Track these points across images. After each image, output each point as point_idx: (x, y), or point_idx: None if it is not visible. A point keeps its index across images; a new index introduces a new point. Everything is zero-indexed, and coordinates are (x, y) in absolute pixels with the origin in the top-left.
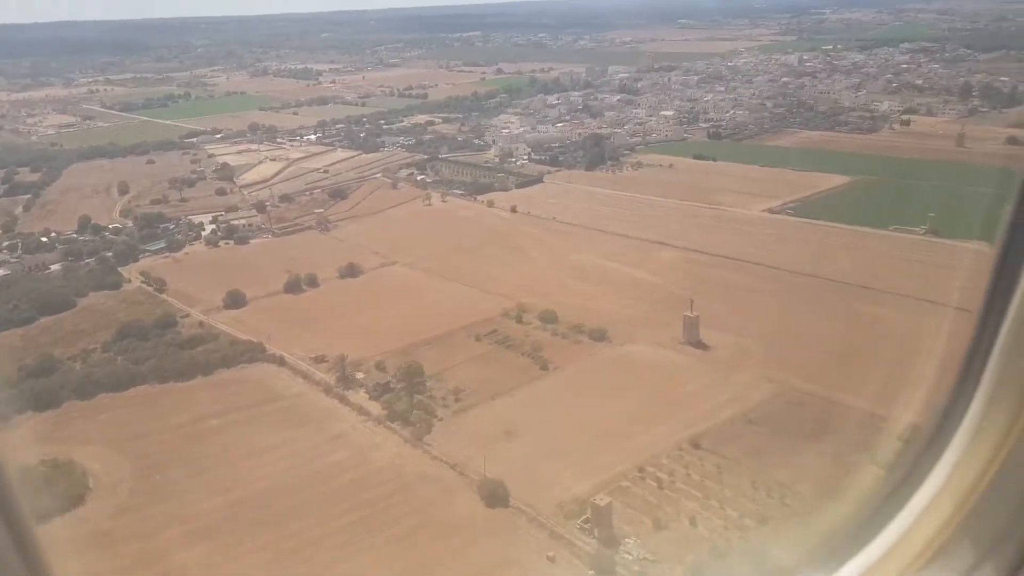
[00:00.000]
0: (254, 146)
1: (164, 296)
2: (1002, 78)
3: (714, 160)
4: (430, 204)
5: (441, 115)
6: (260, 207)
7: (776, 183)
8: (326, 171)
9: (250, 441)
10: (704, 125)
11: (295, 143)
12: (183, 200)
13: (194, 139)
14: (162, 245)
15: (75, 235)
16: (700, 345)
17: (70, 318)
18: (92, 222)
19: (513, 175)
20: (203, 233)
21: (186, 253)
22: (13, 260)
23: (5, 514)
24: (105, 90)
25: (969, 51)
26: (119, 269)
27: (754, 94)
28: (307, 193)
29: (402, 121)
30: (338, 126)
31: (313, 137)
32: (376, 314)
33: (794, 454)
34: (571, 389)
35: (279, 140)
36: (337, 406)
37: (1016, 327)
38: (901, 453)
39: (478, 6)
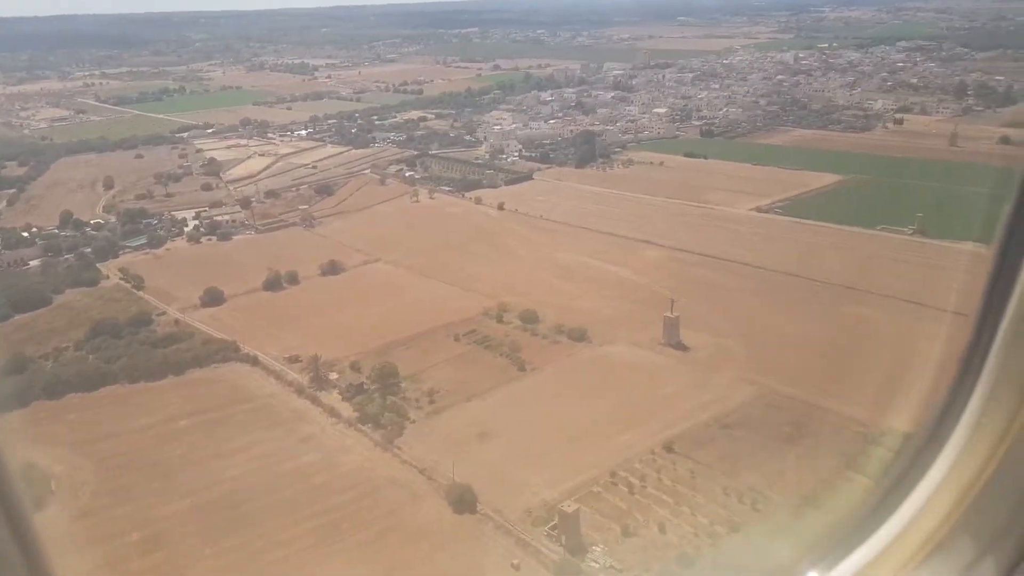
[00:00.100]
0: (243, 141)
1: (141, 293)
2: (998, 77)
3: (705, 158)
4: (417, 201)
5: (434, 111)
6: (245, 203)
7: (766, 181)
8: (314, 167)
9: (218, 443)
10: (697, 123)
11: (285, 138)
12: (168, 195)
13: (185, 134)
14: (143, 241)
15: (56, 231)
16: (680, 346)
17: (45, 315)
18: (74, 217)
19: (503, 172)
20: (185, 229)
21: (167, 249)
22: None
23: (5, 509)
24: (101, 84)
25: (966, 50)
26: (98, 265)
27: (748, 92)
28: (293, 189)
29: (395, 117)
30: (330, 121)
31: (303, 132)
32: (355, 312)
33: (769, 458)
34: (547, 391)
35: (269, 135)
36: (308, 407)
37: (1015, 324)
38: (901, 449)
39: (477, 2)
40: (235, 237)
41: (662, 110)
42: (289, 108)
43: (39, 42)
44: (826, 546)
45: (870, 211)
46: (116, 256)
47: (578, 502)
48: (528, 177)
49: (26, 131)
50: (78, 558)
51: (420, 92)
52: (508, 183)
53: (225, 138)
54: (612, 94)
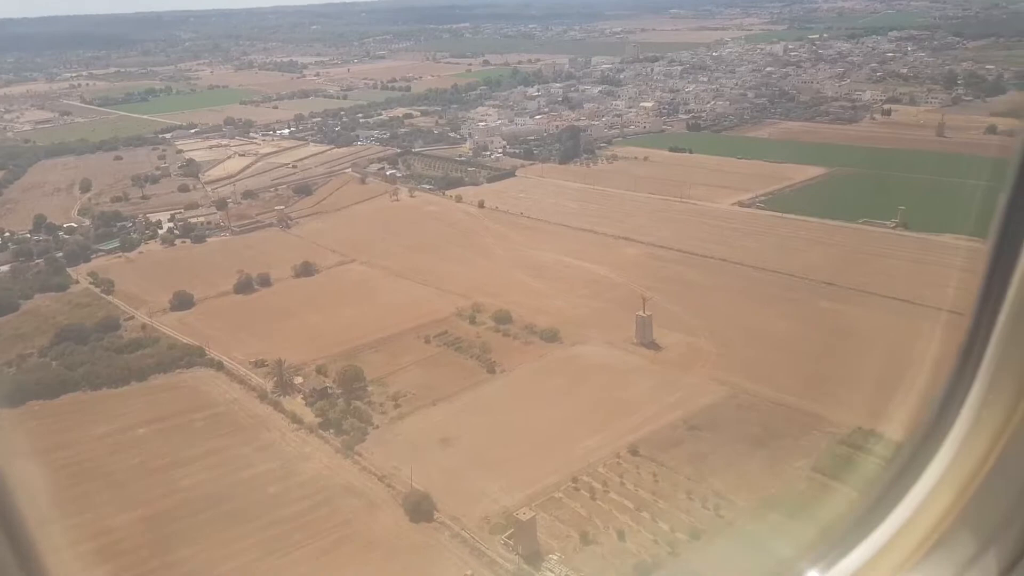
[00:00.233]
0: (225, 141)
1: (110, 298)
2: (988, 66)
3: (690, 152)
4: (397, 199)
5: (420, 108)
6: (221, 204)
7: (750, 175)
8: (295, 166)
9: (176, 451)
10: (684, 116)
11: (267, 138)
12: (144, 197)
13: (168, 134)
14: (116, 245)
15: (29, 235)
16: (652, 345)
17: (12, 321)
18: (47, 221)
19: (485, 169)
20: (160, 231)
21: (140, 252)
22: None
23: (3, 518)
24: (87, 85)
25: (958, 39)
26: (69, 270)
27: (736, 84)
28: (272, 189)
29: (380, 114)
30: (314, 120)
31: (286, 131)
32: (326, 315)
33: (736, 461)
34: (515, 393)
35: (252, 135)
36: (270, 413)
37: (1012, 318)
38: (900, 445)
39: None
40: (210, 239)
41: (649, 104)
42: (275, 107)
43: (28, 43)
44: (825, 544)
45: (853, 204)
46: (88, 260)
47: (538, 508)
48: (511, 174)
49: (9, 134)
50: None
51: (408, 89)
52: (490, 180)
53: (207, 138)
54: (599, 88)
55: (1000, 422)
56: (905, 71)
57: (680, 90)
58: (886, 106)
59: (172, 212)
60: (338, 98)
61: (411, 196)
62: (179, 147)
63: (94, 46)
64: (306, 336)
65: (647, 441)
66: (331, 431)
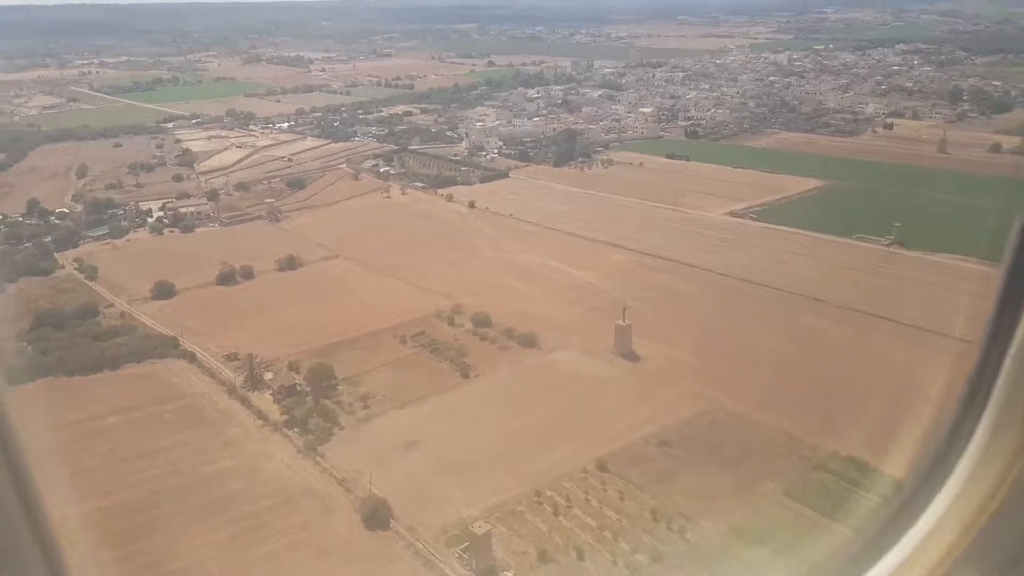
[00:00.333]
0: (224, 132)
1: (93, 284)
2: (995, 82)
3: (687, 159)
4: (388, 197)
5: (420, 106)
6: (212, 195)
7: (745, 185)
8: (290, 160)
9: (139, 442)
10: (683, 123)
11: (266, 130)
12: (138, 185)
13: (170, 124)
14: (105, 231)
15: (21, 219)
16: (631, 356)
17: None
18: (40, 205)
19: (479, 169)
20: (149, 220)
21: (128, 240)
22: None
23: (27, 510)
24: (98, 72)
25: (967, 54)
26: (56, 255)
27: (738, 93)
28: (265, 182)
29: (380, 111)
30: (315, 115)
31: (285, 125)
32: (306, 310)
33: (706, 481)
34: (487, 399)
35: (251, 127)
36: (237, 408)
37: None
38: (903, 479)
39: None
40: (198, 229)
41: (648, 110)
42: (278, 100)
43: (45, 30)
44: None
45: (848, 218)
46: (76, 246)
47: (498, 522)
48: (504, 175)
49: (16, 118)
50: None
51: (411, 87)
52: (483, 180)
53: (207, 129)
54: (599, 92)
55: (1008, 459)
56: (910, 85)
57: (680, 96)
58: (888, 120)
59: (163, 201)
60: (341, 94)
61: (403, 194)
62: (178, 137)
63: (108, 34)
64: (283, 330)
65: (616, 456)
66: (296, 430)
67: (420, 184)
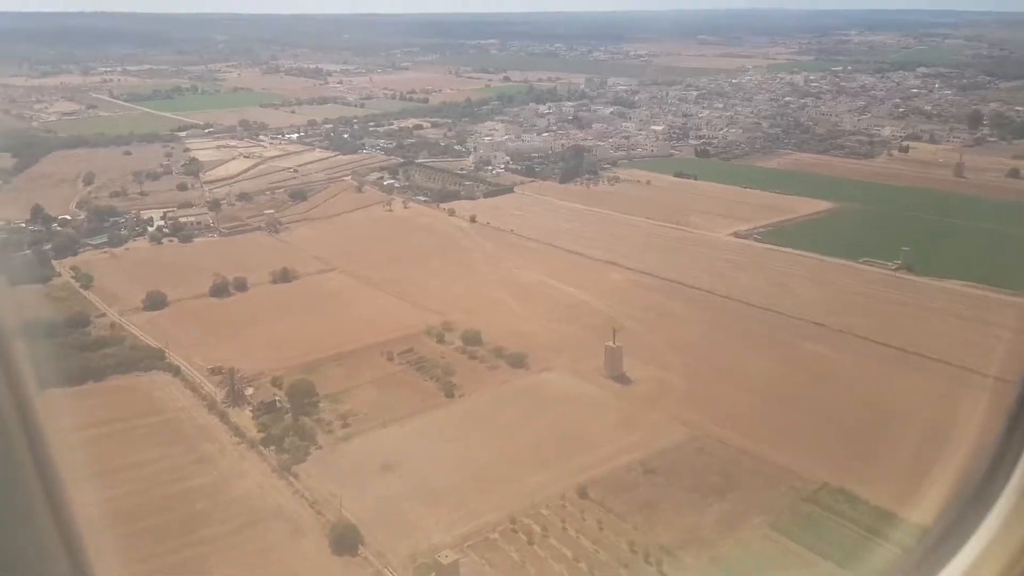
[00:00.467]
0: (233, 142)
1: (87, 293)
2: (1017, 107)
3: (695, 179)
4: (390, 210)
5: (431, 120)
6: (214, 205)
7: (753, 206)
8: (295, 171)
9: (112, 457)
10: (694, 142)
11: (275, 141)
12: (142, 193)
13: (183, 132)
14: (104, 240)
15: (24, 225)
16: (622, 378)
17: None
18: (44, 212)
19: (484, 184)
20: (149, 229)
21: (126, 249)
22: None
23: (54, 509)
24: (119, 80)
25: (990, 79)
26: (55, 262)
27: (752, 112)
28: (268, 192)
29: (392, 124)
30: (326, 126)
31: (294, 136)
32: (296, 323)
33: (688, 512)
34: (470, 420)
35: (261, 137)
36: (215, 424)
37: None
38: (926, 532)
39: (502, 14)
40: (197, 239)
41: (659, 127)
42: (293, 111)
43: (69, 37)
44: None
45: (856, 241)
46: (75, 254)
47: (470, 550)
48: (509, 190)
49: (35, 123)
50: None
51: (426, 100)
52: (487, 195)
53: (218, 138)
54: (611, 109)
55: None
56: (929, 108)
57: (693, 115)
58: (905, 143)
59: (165, 210)
60: (355, 106)
61: (405, 207)
62: (187, 146)
63: (133, 43)
64: (271, 344)
65: (598, 483)
66: (271, 448)
67: (423, 198)
